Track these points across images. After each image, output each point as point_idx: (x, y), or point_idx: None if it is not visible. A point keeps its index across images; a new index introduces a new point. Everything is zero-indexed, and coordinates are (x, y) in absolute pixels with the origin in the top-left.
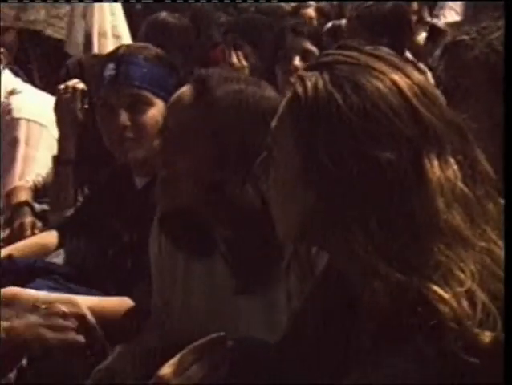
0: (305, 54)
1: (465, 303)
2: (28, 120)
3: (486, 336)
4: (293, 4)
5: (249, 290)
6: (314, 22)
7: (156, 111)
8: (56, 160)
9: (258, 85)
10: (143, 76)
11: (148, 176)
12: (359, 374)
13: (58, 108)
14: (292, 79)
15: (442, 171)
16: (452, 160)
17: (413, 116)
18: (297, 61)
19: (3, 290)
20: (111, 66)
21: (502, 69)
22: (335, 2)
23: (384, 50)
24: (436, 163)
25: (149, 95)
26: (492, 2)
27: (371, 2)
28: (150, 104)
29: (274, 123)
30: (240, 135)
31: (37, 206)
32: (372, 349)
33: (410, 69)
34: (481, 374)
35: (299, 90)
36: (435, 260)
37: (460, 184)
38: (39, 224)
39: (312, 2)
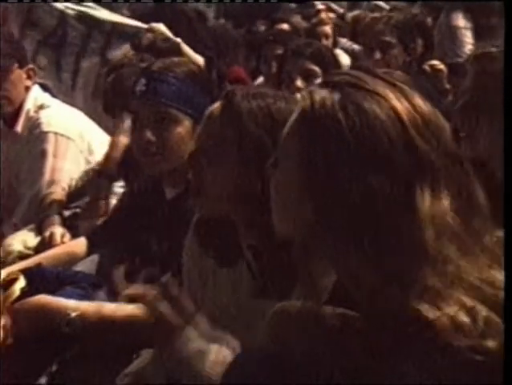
0: (307, 75)
1: (465, 318)
2: (56, 133)
3: (490, 342)
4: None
5: (268, 295)
6: (331, 39)
7: (182, 128)
8: (98, 173)
9: (285, 99)
10: (171, 94)
11: (178, 187)
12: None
13: None
14: (304, 93)
15: (434, 202)
16: (446, 193)
17: (409, 146)
18: (299, 81)
19: (33, 299)
20: (142, 81)
21: None
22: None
23: (397, 75)
24: (428, 194)
25: (176, 112)
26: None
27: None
28: (176, 121)
29: (284, 132)
30: (265, 146)
31: (66, 213)
32: (377, 361)
33: (417, 98)
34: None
35: (307, 104)
36: (423, 283)
37: (450, 219)
38: (68, 234)
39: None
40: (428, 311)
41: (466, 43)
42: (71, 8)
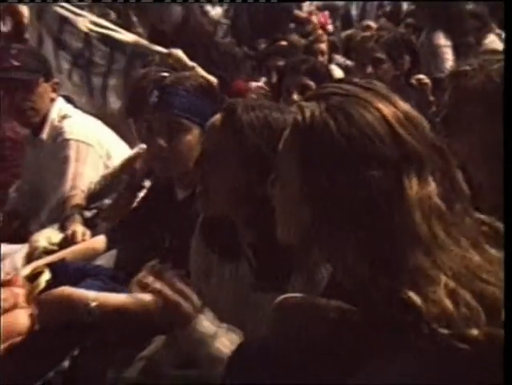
0: (302, 89)
1: (447, 303)
2: (77, 141)
3: (474, 330)
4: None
5: (266, 288)
6: (326, 55)
7: (192, 136)
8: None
9: (280, 110)
10: (182, 105)
11: (189, 188)
12: (364, 374)
13: None
14: (293, 108)
15: (421, 187)
16: (430, 178)
17: (395, 140)
18: (295, 95)
19: (57, 290)
20: (155, 93)
21: (499, 98)
22: (343, 36)
23: (375, 83)
24: (415, 180)
25: (186, 122)
26: None
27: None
28: (186, 130)
29: (280, 146)
30: (263, 153)
31: (86, 213)
32: (373, 350)
33: (396, 98)
34: (475, 364)
35: (299, 117)
36: (413, 264)
37: (436, 199)
38: (88, 232)
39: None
40: (417, 298)
41: (447, 60)
42: (94, 31)
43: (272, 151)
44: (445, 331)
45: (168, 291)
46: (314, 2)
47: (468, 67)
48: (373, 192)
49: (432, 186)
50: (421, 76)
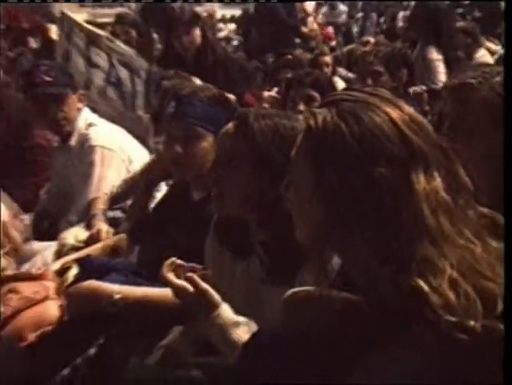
0: (308, 100)
1: (450, 293)
2: (102, 147)
3: (472, 322)
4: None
5: (276, 282)
6: (330, 67)
7: (206, 143)
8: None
9: (288, 118)
10: (197, 114)
11: (204, 190)
12: (368, 363)
13: None
14: (306, 114)
15: (427, 183)
16: (436, 174)
17: (402, 140)
18: (301, 106)
19: (84, 284)
20: (172, 104)
21: (502, 109)
22: (345, 51)
23: (381, 90)
24: (422, 176)
25: (201, 130)
26: None
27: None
28: (201, 137)
29: (293, 152)
30: (274, 158)
31: (109, 213)
32: (377, 340)
33: (401, 103)
34: (474, 357)
35: (311, 122)
36: (421, 255)
37: (442, 193)
38: (112, 230)
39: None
40: (425, 285)
41: (439, 72)
42: (115, 56)
43: (282, 156)
44: (448, 318)
45: (197, 279)
46: (318, 18)
47: (473, 80)
48: (383, 188)
49: (437, 181)
50: (417, 88)
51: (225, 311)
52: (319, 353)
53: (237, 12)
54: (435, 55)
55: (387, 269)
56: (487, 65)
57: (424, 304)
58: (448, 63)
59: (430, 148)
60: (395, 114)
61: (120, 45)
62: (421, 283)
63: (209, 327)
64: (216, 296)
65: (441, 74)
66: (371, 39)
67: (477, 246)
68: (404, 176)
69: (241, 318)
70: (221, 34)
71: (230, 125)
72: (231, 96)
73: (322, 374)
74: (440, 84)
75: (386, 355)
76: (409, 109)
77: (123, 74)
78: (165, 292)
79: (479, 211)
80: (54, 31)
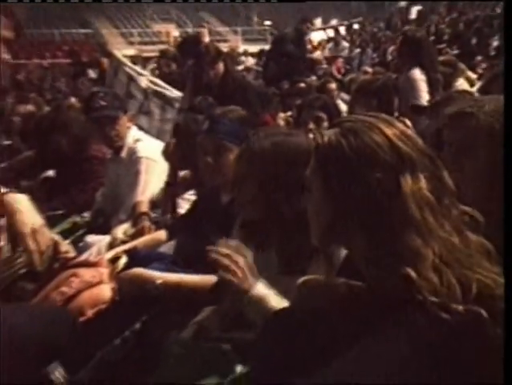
0: (317, 120)
1: (434, 277)
2: (147, 158)
3: (454, 304)
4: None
5: (291, 272)
6: (335, 92)
7: (233, 154)
8: (167, 184)
9: (292, 135)
10: (225, 131)
11: (231, 194)
12: (367, 339)
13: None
14: (315, 135)
15: (414, 184)
16: (421, 177)
17: (393, 149)
18: (311, 125)
19: (131, 271)
20: (206, 122)
21: (500, 132)
22: (347, 79)
23: (378, 113)
24: (409, 179)
25: (228, 144)
26: None
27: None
28: (228, 150)
29: (308, 170)
30: (279, 171)
31: (151, 213)
32: (374, 319)
33: (393, 121)
34: (458, 336)
35: (319, 141)
36: (409, 245)
37: (426, 193)
38: (153, 226)
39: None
40: (413, 273)
41: (422, 91)
42: (151, 88)
43: (286, 167)
44: (433, 299)
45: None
46: (326, 52)
47: (469, 109)
48: (378, 190)
49: (423, 183)
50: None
51: (259, 288)
52: (326, 330)
53: (256, 47)
54: (418, 76)
55: (382, 257)
56: (462, 92)
57: (413, 289)
58: (430, 83)
59: (417, 156)
60: (388, 130)
61: (158, 81)
62: (410, 271)
63: (247, 302)
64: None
65: (424, 93)
66: (369, 69)
67: (456, 238)
68: (395, 179)
69: (271, 291)
70: (247, 65)
71: (239, 149)
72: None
73: (328, 348)
74: (423, 101)
75: (382, 333)
76: (401, 126)
77: (156, 105)
78: (198, 278)
79: (461, 209)
80: (108, 64)
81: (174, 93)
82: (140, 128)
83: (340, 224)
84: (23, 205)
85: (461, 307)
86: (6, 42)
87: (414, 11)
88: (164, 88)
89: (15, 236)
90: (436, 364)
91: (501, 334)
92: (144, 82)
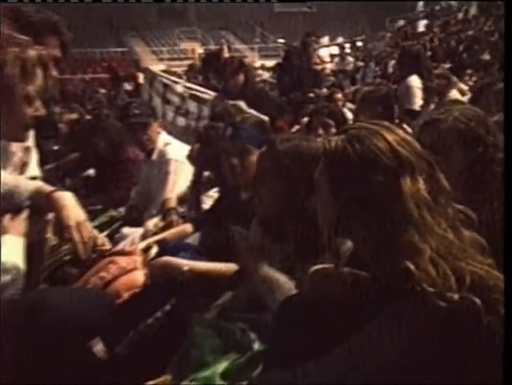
0: (325, 126)
1: (431, 270)
2: (175, 160)
3: (450, 293)
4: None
5: (303, 261)
6: (341, 102)
7: (254, 156)
8: (193, 182)
9: (307, 140)
10: (247, 136)
11: (250, 192)
12: (373, 325)
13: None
14: (324, 141)
15: (412, 185)
16: (420, 179)
17: (393, 154)
18: (320, 130)
19: (162, 259)
20: (230, 128)
21: (474, 133)
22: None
23: (381, 121)
24: (408, 180)
25: (250, 147)
26: None
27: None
28: (250, 153)
29: (317, 172)
30: (295, 171)
31: (179, 208)
32: (377, 306)
33: (394, 128)
34: (454, 322)
35: (327, 146)
36: (408, 240)
37: (424, 193)
38: (180, 220)
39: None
40: (413, 266)
41: (417, 97)
42: (187, 92)
43: (301, 168)
44: (431, 289)
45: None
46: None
47: (441, 116)
48: (380, 191)
49: (421, 184)
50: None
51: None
52: (334, 315)
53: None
54: (415, 83)
55: (384, 253)
56: (455, 101)
57: (413, 280)
58: (426, 91)
59: (416, 159)
60: (389, 136)
61: (192, 85)
62: (409, 264)
63: (261, 284)
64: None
65: (418, 99)
66: (371, 81)
67: (451, 235)
68: (395, 181)
69: (284, 277)
70: (263, 77)
71: (263, 149)
72: (266, 120)
73: (335, 332)
74: (416, 106)
75: (384, 319)
76: (401, 133)
77: (192, 105)
78: (219, 266)
79: (456, 207)
80: (141, 78)
81: (208, 94)
82: (177, 128)
83: (345, 222)
84: (69, 202)
85: (456, 296)
86: (55, 60)
87: (421, 24)
88: (199, 91)
89: (62, 229)
90: (434, 349)
91: (494, 321)
92: (179, 87)
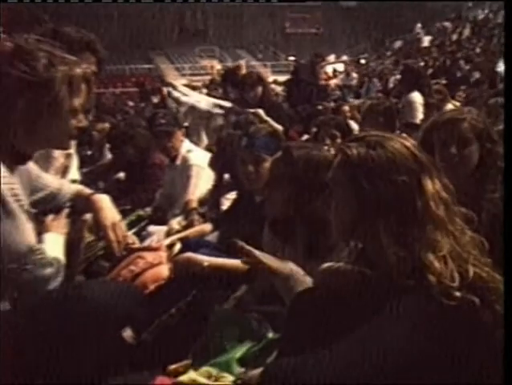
0: (332, 136)
1: (443, 267)
2: (197, 165)
3: (457, 292)
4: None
5: (314, 260)
6: (348, 114)
7: (268, 164)
8: (213, 186)
9: (317, 148)
10: (261, 145)
11: (263, 195)
12: (379, 317)
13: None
14: (342, 147)
15: (433, 186)
16: (436, 180)
17: (414, 158)
18: (327, 140)
19: (184, 255)
20: (245, 138)
21: (486, 132)
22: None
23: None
24: (429, 181)
25: (264, 155)
26: None
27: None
28: (265, 160)
29: (330, 173)
30: (306, 176)
31: (199, 209)
32: (381, 303)
33: (406, 136)
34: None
35: (349, 152)
36: (427, 236)
37: (443, 193)
38: (201, 220)
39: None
40: (431, 256)
41: (418, 111)
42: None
43: (313, 174)
44: (435, 283)
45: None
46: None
47: (460, 116)
48: (405, 190)
49: (438, 185)
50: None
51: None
52: (343, 309)
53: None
54: (417, 99)
55: (401, 248)
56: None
57: (428, 273)
58: (427, 106)
59: (432, 164)
60: (406, 142)
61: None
62: (430, 256)
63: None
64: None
65: (419, 113)
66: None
67: (463, 233)
68: (418, 182)
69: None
70: (275, 91)
71: (278, 155)
72: (280, 129)
73: (344, 324)
74: (417, 120)
75: (388, 313)
76: (411, 140)
77: (218, 112)
78: (236, 261)
79: (459, 209)
80: (166, 92)
81: (228, 104)
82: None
83: (362, 222)
84: (106, 204)
85: (458, 293)
86: (92, 75)
87: (426, 40)
88: (222, 99)
89: (98, 228)
90: (433, 341)
91: (491, 320)
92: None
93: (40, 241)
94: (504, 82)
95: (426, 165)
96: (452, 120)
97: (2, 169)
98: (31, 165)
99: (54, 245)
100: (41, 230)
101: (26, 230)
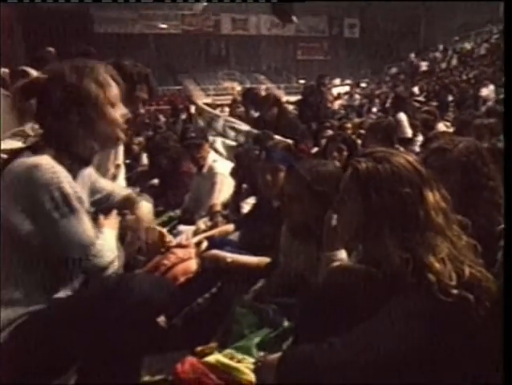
0: (339, 150)
1: (442, 266)
2: (221, 174)
3: (454, 290)
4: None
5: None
6: (350, 130)
7: (283, 173)
8: (234, 192)
9: (323, 164)
10: (277, 158)
11: (279, 201)
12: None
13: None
14: (353, 162)
15: (433, 197)
16: (436, 192)
17: (416, 172)
18: (335, 153)
19: (210, 252)
20: (264, 152)
21: (473, 165)
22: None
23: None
24: (429, 193)
25: (280, 166)
26: None
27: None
28: (280, 170)
29: (342, 185)
30: (315, 188)
31: (223, 212)
32: (385, 298)
33: (407, 152)
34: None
35: (359, 167)
36: (428, 240)
37: (443, 204)
38: (224, 221)
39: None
40: (432, 258)
41: (406, 127)
42: (228, 124)
43: (320, 186)
44: (435, 282)
45: None
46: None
47: (446, 145)
48: (408, 201)
49: (438, 196)
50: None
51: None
52: (350, 303)
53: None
54: (403, 118)
55: (404, 250)
56: (443, 133)
57: (429, 272)
58: (411, 124)
59: (430, 176)
60: (408, 157)
61: (231, 119)
62: (431, 258)
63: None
64: None
65: (407, 129)
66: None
67: (459, 238)
68: (420, 193)
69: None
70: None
71: (293, 171)
72: (291, 143)
73: (351, 317)
74: (408, 135)
75: (391, 308)
76: (413, 155)
77: (231, 134)
78: (256, 258)
79: (455, 216)
80: (193, 109)
81: (243, 126)
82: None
83: (371, 227)
84: (147, 211)
85: (455, 291)
86: (143, 101)
87: (424, 65)
88: (236, 123)
89: (137, 228)
90: (434, 330)
91: (484, 315)
92: (221, 120)
93: (98, 235)
94: (504, 84)
95: (427, 178)
96: (439, 149)
97: (68, 174)
98: (91, 170)
99: (109, 239)
100: (97, 226)
101: (87, 226)
